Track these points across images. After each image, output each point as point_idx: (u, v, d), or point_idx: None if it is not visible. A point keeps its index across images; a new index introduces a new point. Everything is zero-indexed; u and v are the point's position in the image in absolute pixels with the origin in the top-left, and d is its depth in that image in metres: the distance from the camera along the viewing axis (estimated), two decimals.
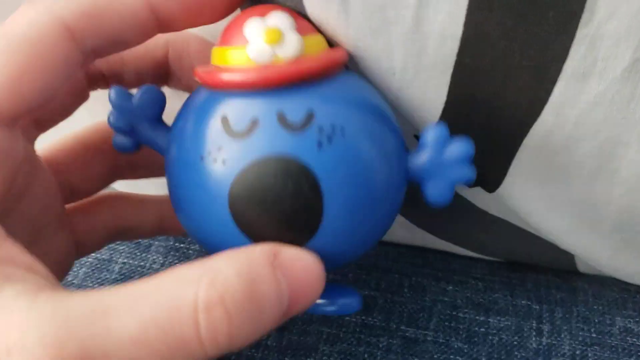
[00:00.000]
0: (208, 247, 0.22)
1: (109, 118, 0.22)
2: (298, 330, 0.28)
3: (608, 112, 0.22)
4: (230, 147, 0.19)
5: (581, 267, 0.32)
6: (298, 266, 0.19)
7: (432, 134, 0.21)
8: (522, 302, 0.30)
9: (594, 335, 0.29)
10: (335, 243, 0.21)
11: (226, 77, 0.20)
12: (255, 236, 0.20)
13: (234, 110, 0.20)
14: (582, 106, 0.22)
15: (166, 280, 0.17)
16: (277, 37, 0.20)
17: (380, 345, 0.28)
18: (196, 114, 0.21)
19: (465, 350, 0.28)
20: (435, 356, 0.28)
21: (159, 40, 0.25)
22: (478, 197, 0.28)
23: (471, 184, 0.26)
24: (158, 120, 0.23)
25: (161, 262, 0.31)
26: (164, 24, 0.21)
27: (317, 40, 0.21)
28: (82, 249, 0.26)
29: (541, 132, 0.23)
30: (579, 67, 0.21)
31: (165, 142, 0.22)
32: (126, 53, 0.24)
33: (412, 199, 0.30)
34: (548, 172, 0.24)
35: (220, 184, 0.20)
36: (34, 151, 0.23)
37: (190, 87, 0.26)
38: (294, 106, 0.19)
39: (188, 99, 0.22)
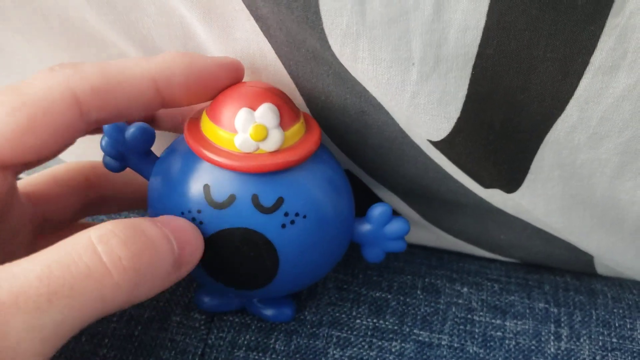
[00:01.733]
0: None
1: (101, 142, 0.25)
2: (307, 333, 0.27)
3: (636, 108, 0.21)
4: (208, 212, 0.23)
5: (600, 269, 0.31)
6: (174, 221, 0.22)
7: (377, 211, 0.25)
8: (540, 305, 0.29)
9: (614, 340, 0.28)
10: (286, 286, 0.25)
11: (213, 157, 0.22)
12: (219, 279, 0.24)
13: (215, 182, 0.23)
14: (608, 101, 0.21)
15: (62, 240, 0.20)
16: (262, 135, 0.22)
17: (393, 350, 0.27)
18: (182, 171, 0.23)
19: (482, 355, 0.27)
20: None
21: None
22: (494, 197, 0.26)
23: (488, 185, 0.25)
24: (147, 153, 0.25)
25: None
26: (166, 104, 0.23)
27: (296, 129, 0.23)
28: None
29: (565, 127, 0.22)
30: (607, 60, 0.20)
31: (151, 170, 0.25)
32: None
33: (426, 198, 0.29)
34: (570, 169, 0.23)
35: None
36: (15, 184, 0.24)
37: (174, 129, 0.28)
38: (267, 192, 0.23)
39: (174, 145, 0.25)
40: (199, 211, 0.23)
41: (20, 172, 0.26)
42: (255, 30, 0.23)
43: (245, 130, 0.22)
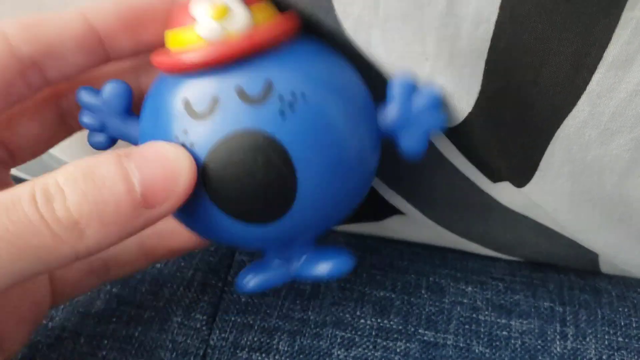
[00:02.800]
0: (188, 223, 0.22)
1: (80, 117, 0.23)
2: (310, 333, 0.27)
3: None
4: (195, 129, 0.20)
5: (604, 268, 0.30)
6: (149, 152, 0.20)
7: (398, 85, 0.21)
8: (545, 303, 0.28)
9: (620, 339, 0.27)
10: (313, 212, 0.21)
11: (180, 58, 0.20)
12: (231, 211, 0.20)
13: (194, 91, 0.20)
14: (621, 96, 0.21)
15: (14, 186, 0.19)
16: (224, 13, 0.19)
17: (398, 350, 0.26)
18: (158, 100, 0.21)
19: (487, 355, 0.26)
20: None
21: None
22: (502, 193, 0.26)
23: (497, 178, 0.25)
24: (128, 112, 0.23)
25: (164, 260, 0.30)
26: (109, 44, 0.22)
27: (264, 7, 0.20)
28: (59, 297, 0.26)
29: (576, 123, 0.22)
30: (622, 54, 0.20)
31: (137, 133, 0.23)
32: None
33: (431, 197, 0.28)
34: (580, 165, 0.23)
35: None
36: (7, 176, 0.25)
37: None
38: (252, 79, 0.19)
39: (150, 87, 0.22)
40: (185, 132, 0.20)
41: (9, 164, 0.25)
42: None
43: (204, 14, 0.19)
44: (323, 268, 0.23)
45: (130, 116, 0.23)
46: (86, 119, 0.23)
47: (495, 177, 0.25)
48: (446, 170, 0.26)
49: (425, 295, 0.29)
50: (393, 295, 0.28)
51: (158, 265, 0.29)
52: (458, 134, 0.23)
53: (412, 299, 0.28)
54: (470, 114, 0.22)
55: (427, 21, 0.19)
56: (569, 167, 0.23)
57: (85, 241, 0.19)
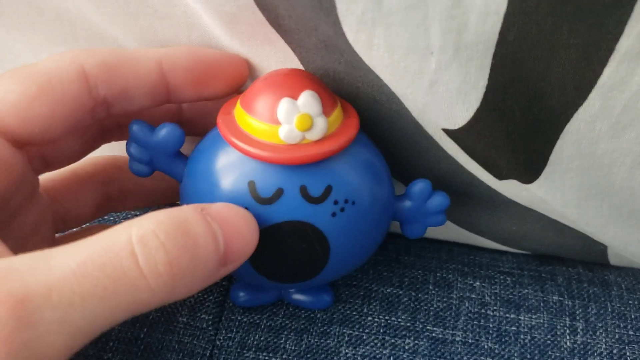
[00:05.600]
0: None
1: (128, 147, 0.24)
2: (318, 332, 0.26)
3: None
4: (255, 209, 0.22)
5: (613, 260, 0.30)
6: (226, 213, 0.21)
7: (417, 187, 0.25)
8: (554, 297, 0.28)
9: (631, 332, 0.27)
10: (334, 274, 0.25)
11: (257, 152, 0.21)
12: (266, 275, 0.24)
13: (260, 177, 0.22)
14: (633, 89, 0.20)
15: (102, 233, 0.19)
16: (308, 125, 0.21)
17: (406, 347, 0.26)
18: (221, 168, 0.23)
19: (497, 351, 0.26)
20: (465, 358, 0.26)
21: None
22: (508, 187, 0.26)
23: (504, 176, 0.25)
24: (176, 152, 0.24)
25: None
26: (173, 92, 0.24)
27: (336, 115, 0.23)
28: None
29: (586, 117, 0.21)
30: (635, 46, 0.19)
31: (182, 172, 0.24)
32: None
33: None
34: (590, 159, 0.23)
35: None
36: (36, 180, 0.24)
37: (200, 133, 0.26)
38: (315, 182, 0.22)
39: (208, 141, 0.24)
40: (246, 209, 0.22)
41: (41, 170, 0.26)
42: (262, 22, 0.22)
43: (289, 121, 0.21)
44: (305, 299, 0.27)
45: (178, 156, 0.24)
46: (134, 151, 0.24)
47: (501, 175, 0.24)
48: (452, 167, 0.25)
49: (433, 291, 0.28)
50: (400, 292, 0.28)
51: None
52: (464, 134, 0.22)
53: (419, 295, 0.28)
54: (479, 110, 0.21)
55: (432, 13, 0.19)
56: (578, 162, 0.23)
57: (173, 295, 0.19)
